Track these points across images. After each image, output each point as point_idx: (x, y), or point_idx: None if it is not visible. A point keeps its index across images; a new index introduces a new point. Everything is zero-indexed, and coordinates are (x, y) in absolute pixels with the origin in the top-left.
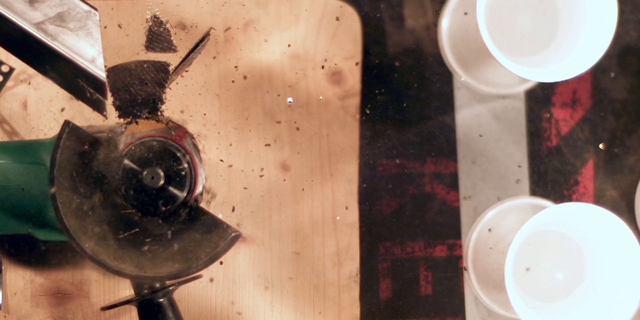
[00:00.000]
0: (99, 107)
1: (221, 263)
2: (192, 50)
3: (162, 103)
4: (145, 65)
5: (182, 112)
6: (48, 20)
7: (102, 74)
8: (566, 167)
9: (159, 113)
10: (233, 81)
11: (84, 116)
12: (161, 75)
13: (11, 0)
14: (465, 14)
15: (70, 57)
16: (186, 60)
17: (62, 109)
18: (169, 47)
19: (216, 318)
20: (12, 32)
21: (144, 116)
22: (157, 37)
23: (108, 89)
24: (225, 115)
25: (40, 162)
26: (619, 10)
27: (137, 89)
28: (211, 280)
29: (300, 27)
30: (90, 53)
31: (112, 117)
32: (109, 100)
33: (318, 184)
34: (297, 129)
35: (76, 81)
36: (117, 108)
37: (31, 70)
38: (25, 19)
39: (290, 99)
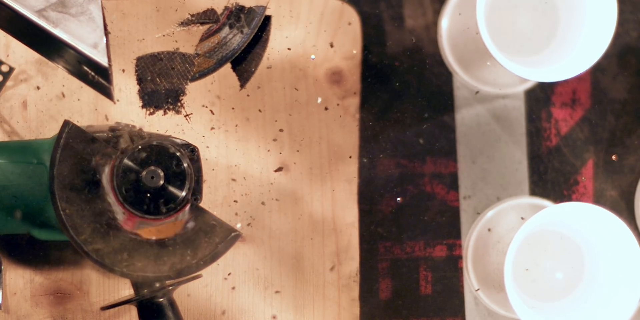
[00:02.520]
0: (106, 92)
1: (217, 264)
2: (255, 36)
3: (184, 94)
4: (174, 56)
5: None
6: (50, 7)
7: (104, 60)
8: (566, 167)
9: (180, 104)
10: (233, 80)
11: (83, 115)
12: (186, 66)
13: None
14: (460, 14)
15: (73, 43)
16: (258, 45)
17: (62, 109)
18: (216, 17)
19: (216, 318)
20: (17, 20)
21: (166, 106)
22: (204, 19)
23: (135, 77)
24: (226, 115)
25: (40, 162)
26: (618, 10)
27: (163, 79)
28: (211, 280)
29: (300, 27)
30: (92, 39)
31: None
32: (115, 86)
33: (318, 184)
34: (297, 128)
35: (81, 67)
36: (142, 97)
37: (31, 70)
38: (27, 7)
39: (313, 56)
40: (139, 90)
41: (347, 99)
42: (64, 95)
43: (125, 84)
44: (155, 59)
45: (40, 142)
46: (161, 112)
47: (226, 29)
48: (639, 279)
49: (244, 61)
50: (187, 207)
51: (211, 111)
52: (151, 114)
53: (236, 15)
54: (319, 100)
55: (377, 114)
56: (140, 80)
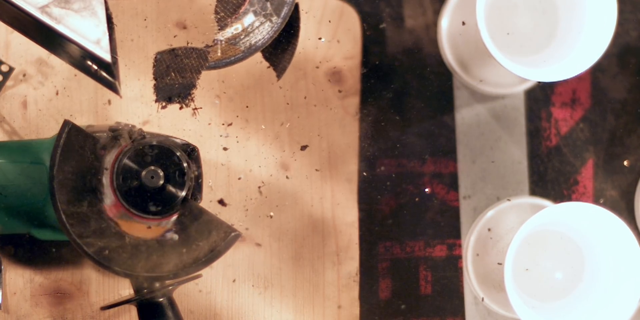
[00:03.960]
0: (112, 87)
1: (217, 264)
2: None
3: (195, 88)
4: (190, 51)
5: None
6: (52, 3)
7: (107, 56)
8: (566, 167)
9: (190, 98)
10: (233, 81)
11: (83, 115)
12: (200, 61)
13: None
14: (460, 15)
15: (76, 39)
16: (292, 35)
17: (62, 109)
18: (240, 1)
19: (215, 318)
20: (20, 16)
21: (177, 100)
22: (234, 9)
23: (152, 72)
24: (225, 115)
25: (40, 161)
26: (618, 10)
27: (177, 74)
28: (211, 279)
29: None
30: (95, 34)
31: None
32: (122, 81)
33: (318, 183)
34: (297, 128)
35: (85, 62)
36: (157, 92)
37: (31, 70)
38: (30, 3)
39: (323, 39)
40: (154, 85)
41: (347, 99)
42: (63, 95)
43: (126, 81)
44: (173, 55)
45: (40, 142)
46: (173, 106)
47: (250, 16)
48: (639, 279)
49: (278, 52)
50: (174, 218)
51: (209, 112)
52: (163, 107)
53: (260, 1)
54: (319, 100)
55: (377, 114)
56: (156, 75)
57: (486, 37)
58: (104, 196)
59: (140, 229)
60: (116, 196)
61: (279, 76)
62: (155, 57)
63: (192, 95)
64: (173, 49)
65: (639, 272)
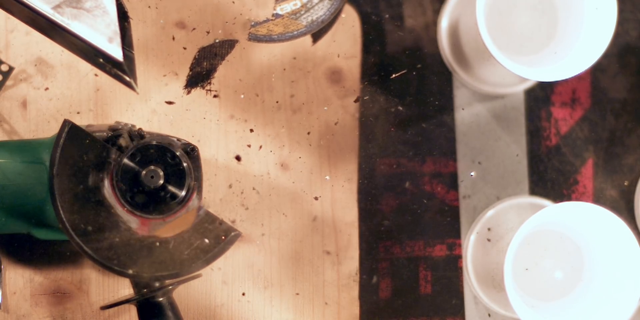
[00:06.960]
0: (128, 84)
1: (217, 263)
2: None
3: (215, 72)
4: (224, 44)
5: (187, 110)
6: (64, 3)
7: (119, 55)
8: (565, 167)
9: (209, 81)
10: (233, 79)
11: (82, 115)
12: (228, 50)
13: None
14: (459, 14)
15: (89, 39)
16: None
17: (62, 108)
18: None
19: (215, 318)
20: (34, 15)
21: (200, 85)
22: None
23: (190, 64)
24: (225, 115)
25: (39, 161)
26: (618, 10)
27: (208, 62)
28: (211, 279)
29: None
30: (107, 33)
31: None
32: (135, 77)
33: (318, 183)
34: (297, 128)
35: (98, 60)
36: (188, 80)
37: (31, 69)
38: (42, 3)
39: (342, 14)
40: (188, 74)
41: (347, 99)
42: (63, 95)
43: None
44: (210, 47)
45: (40, 142)
46: (191, 93)
47: None
48: (639, 279)
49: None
50: (194, 195)
51: (208, 111)
52: (188, 93)
53: None
54: (319, 99)
55: (377, 114)
56: (192, 67)
57: (486, 37)
58: (104, 196)
59: (178, 223)
60: (116, 196)
61: (315, 41)
62: (198, 52)
63: (211, 80)
64: (212, 44)
65: (639, 272)
